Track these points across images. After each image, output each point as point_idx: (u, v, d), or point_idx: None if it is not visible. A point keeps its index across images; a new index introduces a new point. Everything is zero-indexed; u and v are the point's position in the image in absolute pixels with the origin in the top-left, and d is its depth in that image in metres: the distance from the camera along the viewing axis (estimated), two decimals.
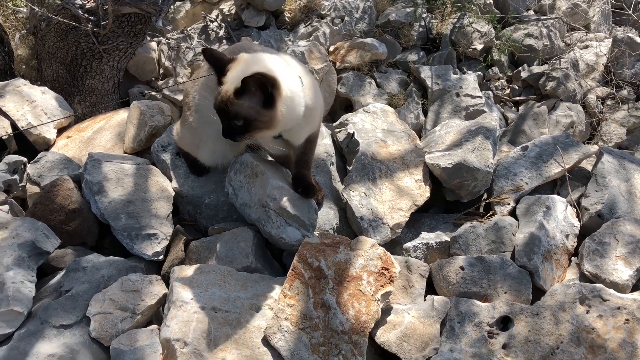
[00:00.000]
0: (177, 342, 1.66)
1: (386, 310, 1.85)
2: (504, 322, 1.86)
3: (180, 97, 3.20)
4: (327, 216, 2.12)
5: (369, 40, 3.24)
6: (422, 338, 1.80)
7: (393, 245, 2.13)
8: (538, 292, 1.94)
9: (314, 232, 1.99)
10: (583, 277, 1.98)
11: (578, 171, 2.33)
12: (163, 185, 2.14)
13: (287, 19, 3.53)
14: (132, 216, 2.00)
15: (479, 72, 3.28)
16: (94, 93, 3.10)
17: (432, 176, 2.27)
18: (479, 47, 3.39)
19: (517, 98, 3.38)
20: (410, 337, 1.79)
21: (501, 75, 3.45)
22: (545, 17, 3.61)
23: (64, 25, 2.88)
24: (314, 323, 1.75)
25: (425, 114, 3.09)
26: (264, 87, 1.65)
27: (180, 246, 2.01)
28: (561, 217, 2.07)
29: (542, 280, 1.94)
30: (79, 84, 3.06)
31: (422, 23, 3.50)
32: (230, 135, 1.72)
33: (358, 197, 2.12)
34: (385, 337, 1.80)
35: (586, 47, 3.58)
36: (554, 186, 2.31)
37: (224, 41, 3.43)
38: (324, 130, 2.37)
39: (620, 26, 4.00)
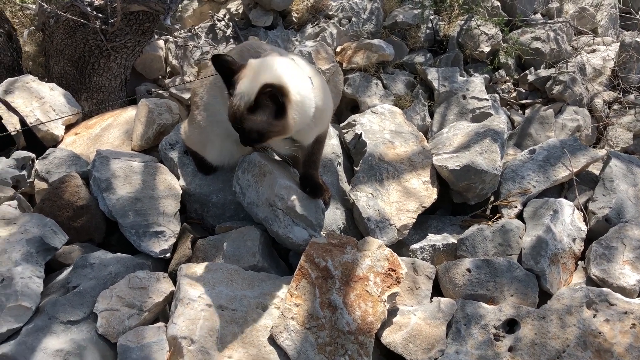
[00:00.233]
0: (184, 339, 1.66)
1: (392, 311, 1.85)
2: (510, 325, 1.86)
3: (187, 96, 3.20)
4: (334, 216, 2.12)
5: (376, 41, 3.24)
6: (428, 339, 1.80)
7: (399, 247, 2.13)
8: (544, 296, 1.94)
9: (321, 232, 1.99)
10: (590, 281, 1.97)
11: (585, 175, 2.33)
12: (171, 183, 2.15)
13: (294, 19, 3.53)
14: (139, 213, 2.01)
15: (486, 75, 3.28)
16: (101, 90, 3.11)
17: (439, 178, 2.27)
18: (486, 49, 3.39)
19: (524, 101, 3.38)
20: (416, 338, 1.79)
21: (508, 78, 3.45)
22: (552, 21, 3.61)
23: (72, 22, 2.89)
24: (321, 323, 1.75)
25: (432, 115, 3.09)
26: (275, 97, 1.66)
27: (188, 244, 2.01)
28: (568, 220, 2.07)
29: (549, 284, 1.94)
30: (86, 81, 3.07)
31: (430, 25, 3.51)
32: (248, 144, 1.77)
33: (365, 198, 2.12)
34: (391, 338, 1.80)
35: (593, 51, 3.57)
36: (561, 190, 2.31)
37: (231, 40, 3.43)
38: (332, 131, 2.37)
39: (627, 30, 3.99)
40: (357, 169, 2.23)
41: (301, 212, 1.94)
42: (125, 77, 3.17)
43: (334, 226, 2.10)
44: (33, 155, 2.27)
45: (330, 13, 3.51)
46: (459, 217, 2.29)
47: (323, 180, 2.15)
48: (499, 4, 3.61)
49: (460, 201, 2.27)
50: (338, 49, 3.35)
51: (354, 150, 2.34)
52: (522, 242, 2.04)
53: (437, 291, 2.00)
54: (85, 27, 2.90)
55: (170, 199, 2.09)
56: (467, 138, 2.32)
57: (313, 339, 1.72)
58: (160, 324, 1.78)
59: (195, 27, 3.50)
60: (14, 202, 2.01)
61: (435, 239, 2.13)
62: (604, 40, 3.67)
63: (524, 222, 2.12)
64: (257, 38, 3.34)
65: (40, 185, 2.19)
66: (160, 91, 3.25)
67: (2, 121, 2.35)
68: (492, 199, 2.28)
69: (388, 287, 1.83)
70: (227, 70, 1.73)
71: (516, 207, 2.17)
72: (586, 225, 2.13)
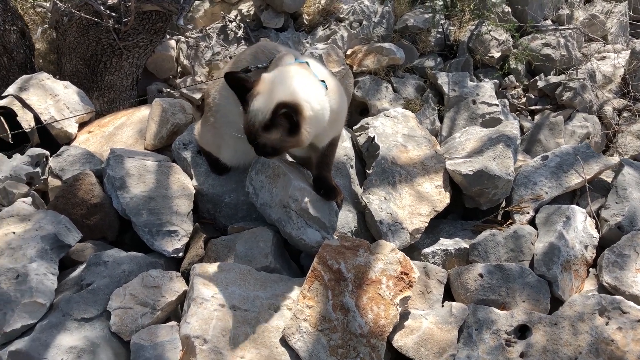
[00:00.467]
0: (197, 339, 1.66)
1: (404, 315, 1.85)
2: (522, 331, 1.86)
3: (197, 96, 3.21)
4: (346, 219, 2.13)
5: (386, 44, 3.25)
6: (439, 344, 1.80)
7: (411, 251, 2.13)
8: (556, 302, 1.94)
9: (334, 235, 2.00)
10: (602, 289, 1.97)
11: (598, 182, 2.33)
12: (184, 183, 2.15)
13: (305, 21, 3.54)
14: (153, 212, 2.01)
15: (496, 80, 3.28)
16: (113, 89, 3.12)
17: (451, 182, 2.27)
18: (496, 55, 3.40)
19: (533, 107, 3.39)
20: (428, 342, 1.80)
21: (517, 84, 3.45)
22: (563, 27, 3.62)
23: (85, 20, 2.90)
24: (333, 325, 1.75)
25: (441, 120, 3.10)
26: (289, 116, 1.67)
27: (200, 244, 2.02)
28: (581, 227, 2.07)
29: (561, 290, 1.94)
30: (97, 80, 3.08)
31: (440, 29, 3.51)
32: (263, 155, 1.81)
33: (377, 201, 2.12)
34: (403, 341, 1.80)
35: (603, 58, 3.57)
36: (573, 196, 2.31)
37: (242, 41, 3.44)
38: (345, 134, 2.38)
39: (637, 38, 4.00)
40: (369, 172, 2.24)
41: (315, 214, 1.94)
42: (136, 76, 3.18)
43: (346, 228, 2.10)
44: (47, 153, 2.28)
45: (341, 16, 3.52)
46: (471, 221, 2.29)
47: (335, 182, 2.15)
48: (509, 9, 3.61)
49: (472, 206, 2.27)
50: (349, 52, 3.36)
51: (366, 153, 2.35)
52: (534, 248, 2.04)
53: (448, 295, 2.01)
54: (98, 25, 2.91)
55: (183, 199, 2.10)
56: (480, 143, 2.32)
57: (325, 341, 1.72)
58: (173, 323, 1.78)
59: (207, 28, 3.51)
60: (29, 199, 2.02)
61: (447, 244, 2.13)
62: (614, 47, 3.68)
63: (536, 228, 2.12)
64: (268, 39, 3.35)
65: (53, 182, 2.20)
66: (171, 91, 3.27)
67: (17, 118, 2.36)
68: (504, 204, 2.28)
69: (400, 290, 1.83)
70: (241, 87, 1.73)
71: (528, 213, 2.17)
72: (598, 232, 2.13)
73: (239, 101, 1.76)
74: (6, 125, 2.39)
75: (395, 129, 2.39)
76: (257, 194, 2.03)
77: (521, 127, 3.22)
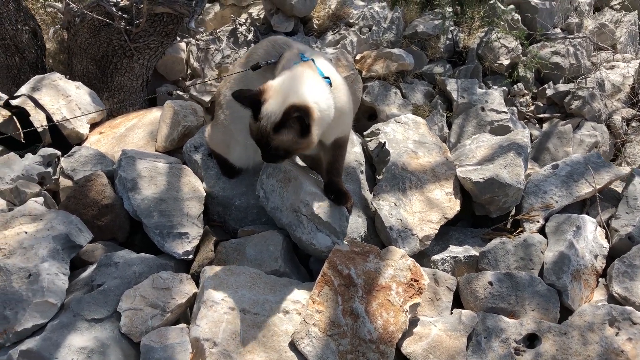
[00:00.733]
0: (206, 341, 1.67)
1: (413, 322, 1.85)
2: (531, 340, 1.85)
3: (207, 98, 3.23)
4: (356, 224, 2.13)
5: (396, 50, 3.26)
6: (448, 351, 1.79)
7: (421, 257, 2.13)
8: (565, 312, 1.94)
9: (344, 240, 2.00)
10: (611, 299, 1.97)
11: (608, 192, 2.33)
12: (195, 185, 2.16)
13: (315, 25, 3.56)
14: (164, 214, 2.02)
15: (504, 88, 3.29)
16: (123, 90, 3.14)
17: (461, 189, 2.27)
18: (505, 62, 3.40)
19: (541, 115, 3.39)
20: (437, 349, 1.79)
21: (526, 91, 3.46)
22: (572, 36, 3.62)
23: (97, 21, 2.92)
24: (342, 330, 1.75)
25: (450, 126, 3.10)
26: (301, 119, 1.70)
27: (210, 246, 2.02)
28: (591, 237, 2.07)
29: (571, 300, 1.94)
30: (108, 81, 3.09)
31: (450, 36, 3.52)
32: (271, 161, 1.82)
33: (388, 207, 2.13)
34: (412, 348, 1.80)
35: (612, 67, 3.58)
36: (583, 206, 2.31)
37: (252, 45, 3.46)
38: (355, 139, 2.38)
39: None
40: (379, 177, 2.24)
41: (326, 219, 1.95)
42: (146, 77, 3.20)
43: (356, 234, 2.11)
44: (59, 153, 2.29)
45: (351, 21, 3.53)
46: (480, 229, 2.29)
47: (346, 187, 2.16)
48: (519, 17, 3.62)
49: (482, 214, 2.27)
50: (358, 57, 3.37)
51: (376, 159, 2.35)
52: (543, 257, 2.04)
53: (457, 303, 2.00)
54: (110, 27, 2.93)
55: (194, 201, 2.10)
56: (490, 151, 2.32)
57: (334, 346, 1.72)
58: (183, 325, 1.78)
59: (217, 31, 3.53)
60: (40, 199, 2.02)
61: (456, 251, 2.13)
62: (623, 56, 3.68)
63: (545, 237, 2.12)
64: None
65: (65, 182, 2.21)
66: (180, 93, 3.28)
67: (30, 118, 2.38)
68: (513, 212, 2.28)
69: (410, 297, 1.83)
70: (249, 99, 1.75)
71: (538, 221, 2.17)
72: (608, 242, 2.13)
73: (251, 112, 1.77)
74: (19, 125, 2.40)
75: (406, 135, 2.39)
76: (268, 197, 2.04)
77: (530, 135, 3.22)
